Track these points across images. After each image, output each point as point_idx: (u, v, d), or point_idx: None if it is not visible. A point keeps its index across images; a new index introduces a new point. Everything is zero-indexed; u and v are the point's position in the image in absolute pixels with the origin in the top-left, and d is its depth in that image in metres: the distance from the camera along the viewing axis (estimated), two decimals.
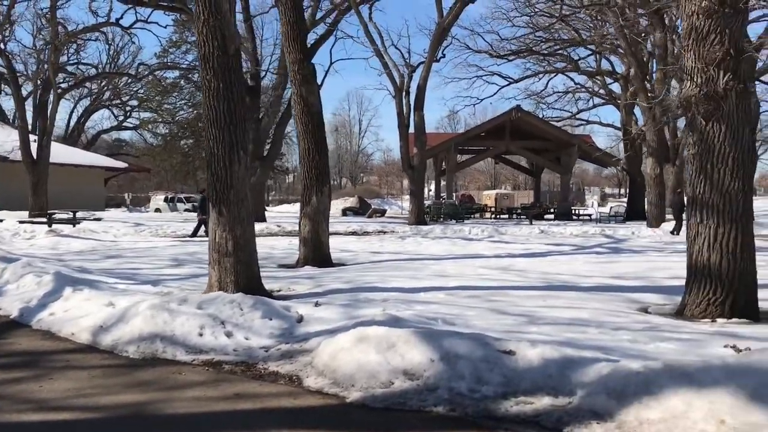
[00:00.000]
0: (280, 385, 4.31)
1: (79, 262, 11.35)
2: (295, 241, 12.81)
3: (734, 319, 6.16)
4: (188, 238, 17.80)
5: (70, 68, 34.96)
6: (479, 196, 52.35)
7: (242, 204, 7.48)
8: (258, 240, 17.07)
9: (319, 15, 24.07)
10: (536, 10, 28.64)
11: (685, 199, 7.38)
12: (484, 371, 4.04)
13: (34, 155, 26.08)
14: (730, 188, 6.35)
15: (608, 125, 36.91)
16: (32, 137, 27.03)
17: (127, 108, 50.04)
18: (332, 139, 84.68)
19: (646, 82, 23.54)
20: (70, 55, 35.41)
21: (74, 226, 20.36)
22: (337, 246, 14.33)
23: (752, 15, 21.60)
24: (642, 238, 17.79)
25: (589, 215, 31.65)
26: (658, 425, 3.29)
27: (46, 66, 28.54)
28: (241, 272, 7.39)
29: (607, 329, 5.62)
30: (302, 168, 11.74)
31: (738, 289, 6.32)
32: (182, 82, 41.45)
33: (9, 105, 40.02)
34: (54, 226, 19.69)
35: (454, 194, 41.18)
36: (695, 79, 6.51)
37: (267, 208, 41.22)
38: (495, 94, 34.79)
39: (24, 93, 32.23)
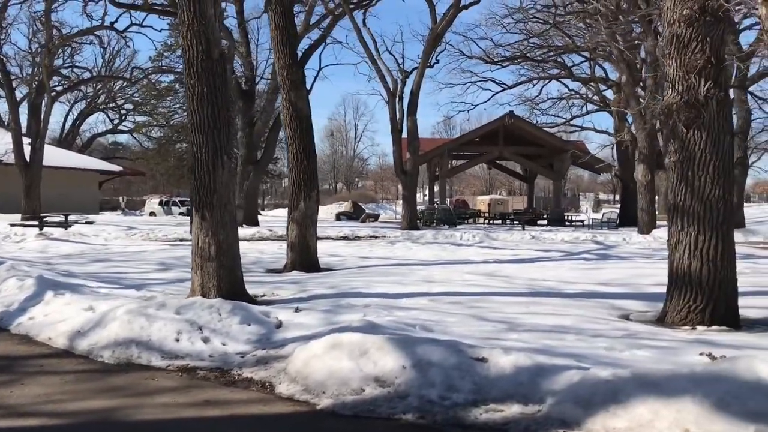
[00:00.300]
0: (252, 392, 4.29)
1: (66, 265, 11.32)
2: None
3: (714, 327, 6.15)
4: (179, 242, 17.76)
5: (64, 71, 34.90)
6: (474, 202, 52.35)
7: (225, 208, 7.47)
8: (249, 244, 17.24)
9: (313, 20, 24.16)
10: (530, 16, 28.73)
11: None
12: (455, 378, 4.03)
13: (28, 158, 26.02)
14: (711, 196, 6.37)
15: (602, 132, 36.85)
16: (26, 140, 26.97)
17: (123, 111, 50.03)
18: (328, 144, 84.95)
19: (638, 89, 23.61)
20: (65, 58, 35.41)
21: (66, 229, 20.29)
22: (326, 251, 14.31)
23: (745, 23, 21.74)
24: (632, 245, 17.82)
25: (582, 221, 31.66)
26: None
27: (40, 69, 28.49)
28: (223, 277, 7.36)
29: (586, 336, 5.61)
30: (291, 173, 11.73)
31: (718, 297, 6.32)
32: (177, 86, 41.49)
33: (2, 108, 39.98)
34: (45, 229, 19.65)
35: (448, 199, 41.19)
36: (676, 87, 6.53)
37: (262, 212, 41.21)
38: (489, 99, 34.76)
39: (20, 96, 32.23)
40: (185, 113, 42.60)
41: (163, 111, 44.29)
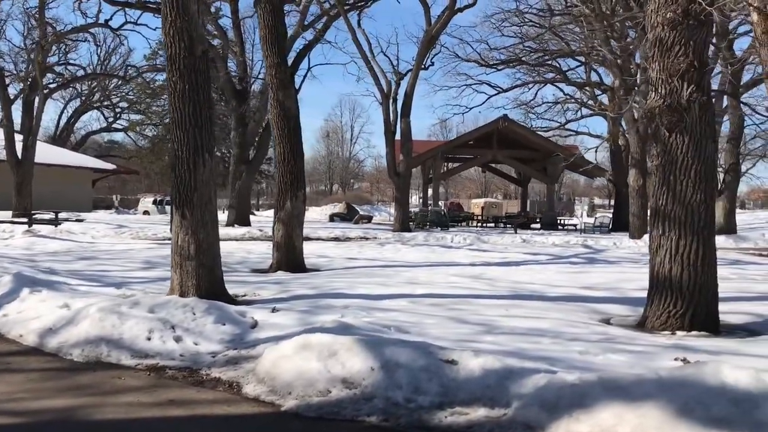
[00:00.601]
0: (218, 392, 4.24)
1: (50, 263, 11.24)
2: None
3: (694, 332, 6.11)
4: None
5: (58, 69, 34.78)
6: (468, 205, 52.35)
7: (206, 207, 7.41)
8: (238, 244, 17.16)
9: (308, 20, 24.13)
10: (525, 19, 28.71)
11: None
12: (422, 381, 3.98)
13: (20, 155, 25.92)
14: (693, 200, 6.33)
15: (597, 136, 36.90)
16: (19, 137, 26.87)
17: (117, 110, 49.93)
18: (324, 145, 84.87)
19: (633, 93, 23.59)
20: (59, 55, 35.28)
21: (56, 226, 20.20)
22: (315, 251, 14.27)
23: (740, 30, 21.72)
24: (621, 249, 17.77)
25: (575, 225, 31.63)
26: None
27: (34, 66, 28.39)
28: (203, 276, 7.30)
29: (562, 340, 5.56)
30: (278, 172, 11.67)
31: (698, 302, 6.28)
32: None
33: None
34: (34, 226, 19.54)
35: (442, 202, 41.11)
36: (659, 90, 6.49)
37: (256, 212, 41.13)
38: (484, 103, 34.71)
39: (13, 92, 32.13)
40: None
41: (157, 109, 44.22)
